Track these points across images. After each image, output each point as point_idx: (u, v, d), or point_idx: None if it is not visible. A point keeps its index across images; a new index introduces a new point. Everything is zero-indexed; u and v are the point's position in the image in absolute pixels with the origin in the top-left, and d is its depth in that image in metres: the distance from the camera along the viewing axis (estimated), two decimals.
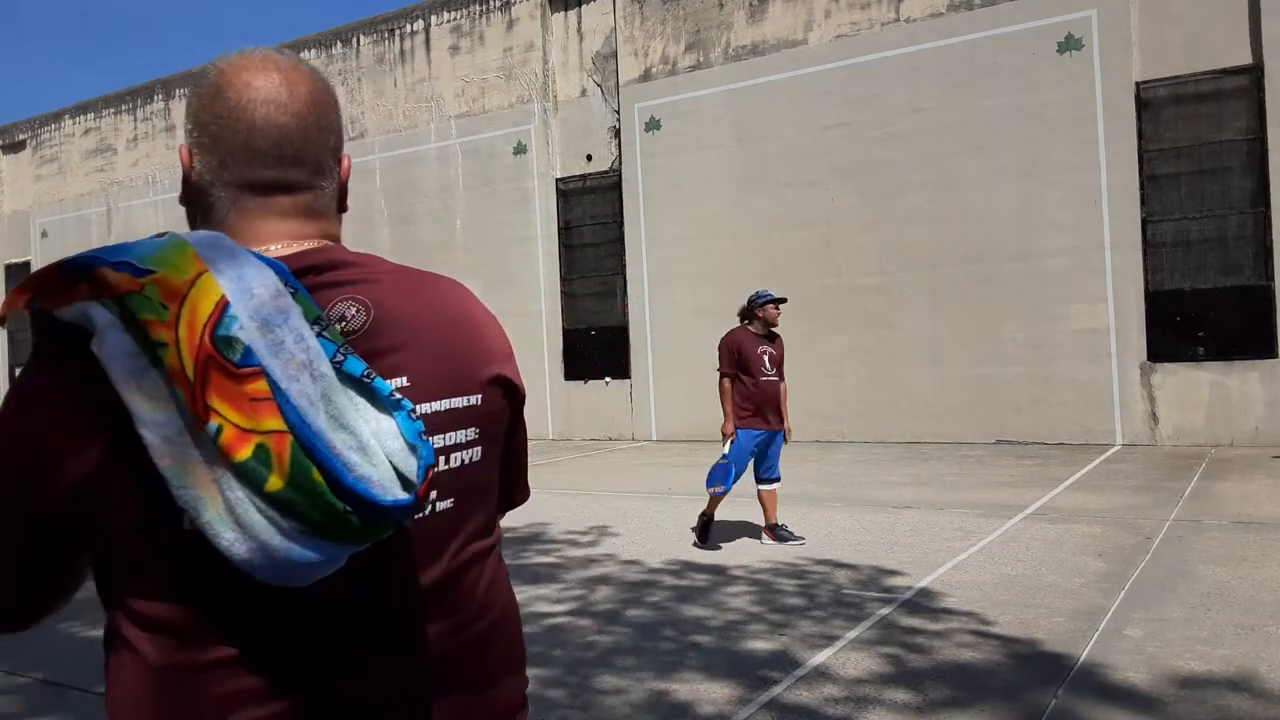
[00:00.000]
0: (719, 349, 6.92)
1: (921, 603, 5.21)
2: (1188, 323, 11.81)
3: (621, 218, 15.58)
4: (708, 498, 6.99)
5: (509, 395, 1.15)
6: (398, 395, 0.95)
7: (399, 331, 1.04)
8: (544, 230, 16.21)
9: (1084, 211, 12.19)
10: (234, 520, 0.87)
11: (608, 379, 15.65)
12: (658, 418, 15.14)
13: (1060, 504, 8.04)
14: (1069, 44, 12.25)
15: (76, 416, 0.93)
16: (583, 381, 15.90)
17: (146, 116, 21.63)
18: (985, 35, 12.74)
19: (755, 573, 6.04)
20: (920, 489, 9.17)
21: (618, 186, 15.63)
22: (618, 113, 15.61)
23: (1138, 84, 11.98)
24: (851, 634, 4.69)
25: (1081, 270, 12.17)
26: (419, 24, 17.70)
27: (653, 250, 15.22)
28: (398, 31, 17.96)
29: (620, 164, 15.57)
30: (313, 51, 19.04)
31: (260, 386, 0.88)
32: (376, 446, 0.90)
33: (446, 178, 17.25)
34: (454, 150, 17.17)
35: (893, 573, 5.91)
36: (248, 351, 0.88)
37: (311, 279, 1.01)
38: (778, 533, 6.94)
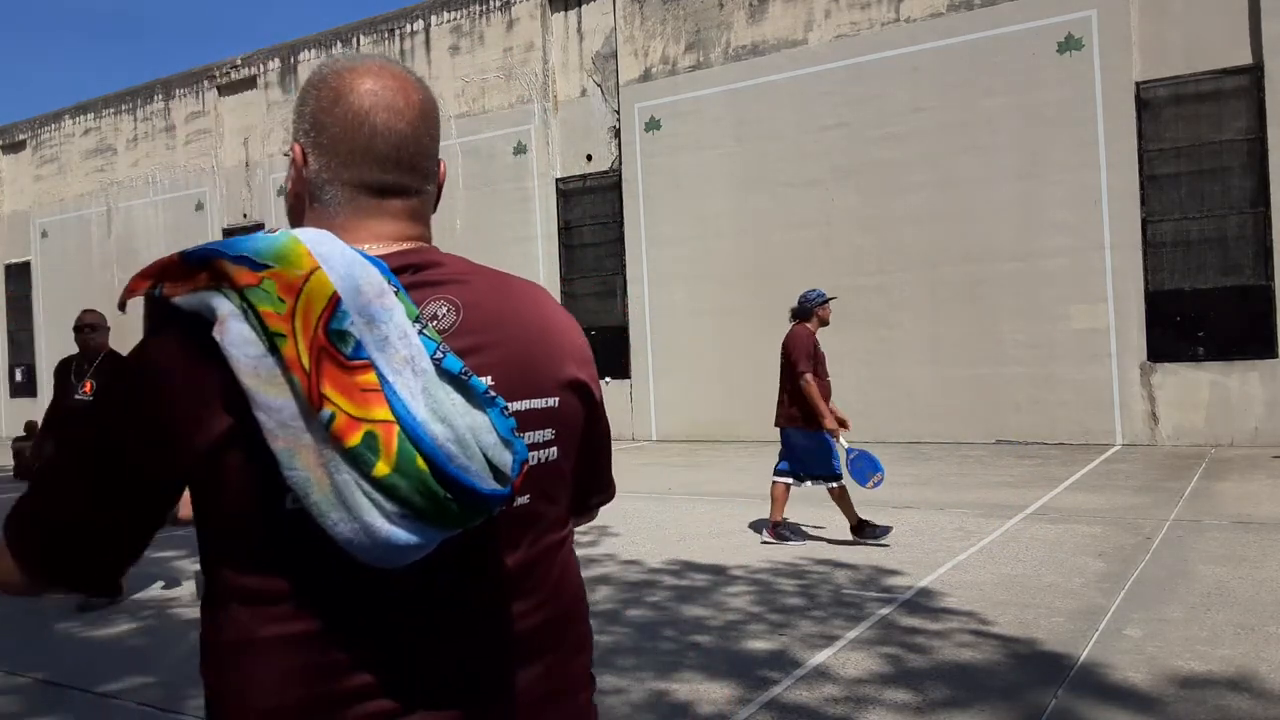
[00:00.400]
0: (794, 348, 6.90)
1: (921, 603, 5.21)
2: (1188, 323, 11.81)
3: (621, 218, 15.58)
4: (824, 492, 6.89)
5: (585, 399, 1.19)
6: (492, 393, 1.00)
7: (485, 332, 1.09)
8: (544, 230, 16.21)
9: (1084, 211, 12.20)
10: (340, 501, 0.93)
11: (608, 379, 15.65)
12: (658, 418, 15.14)
13: (1060, 504, 8.04)
14: (1069, 44, 12.25)
15: (200, 394, 0.98)
16: None
17: (146, 116, 21.63)
18: (985, 35, 12.74)
19: (755, 573, 6.04)
20: (920, 489, 9.17)
21: (618, 186, 15.63)
22: (618, 113, 15.61)
23: (1138, 84, 11.99)
24: (851, 634, 4.69)
25: (1081, 270, 12.18)
26: (419, 24, 17.70)
27: (653, 250, 15.23)
28: (398, 31, 17.96)
29: (620, 164, 15.57)
30: (313, 51, 19.05)
31: (370, 378, 0.94)
32: (471, 440, 0.96)
33: (447, 178, 17.23)
34: (454, 150, 17.17)
35: (893, 573, 5.91)
36: (358, 345, 0.94)
37: (407, 278, 1.06)
38: (779, 531, 6.92)
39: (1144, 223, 12.05)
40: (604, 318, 15.87)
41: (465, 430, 0.96)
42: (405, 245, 1.12)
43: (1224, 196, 11.72)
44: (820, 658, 4.35)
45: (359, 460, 0.92)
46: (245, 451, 0.98)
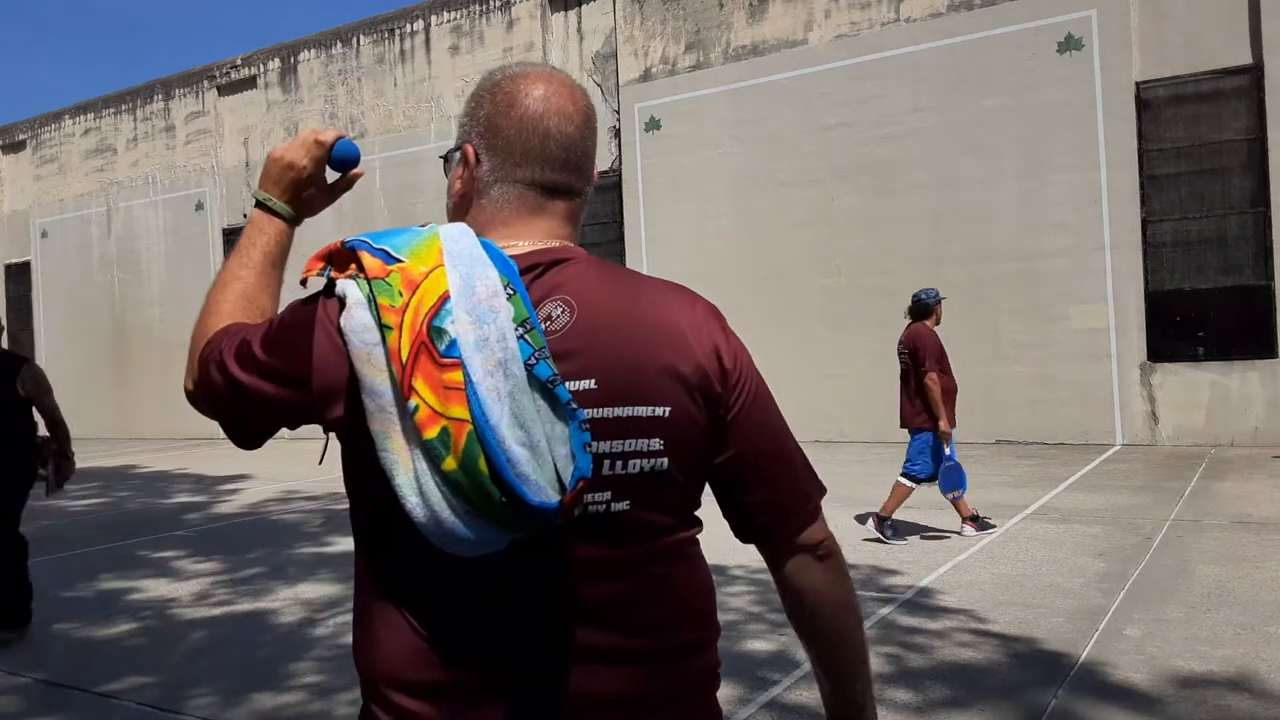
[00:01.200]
0: (924, 346, 6.81)
1: (921, 602, 5.21)
2: (1188, 323, 11.81)
3: (621, 218, 15.58)
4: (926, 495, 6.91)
5: (709, 406, 1.14)
6: (574, 405, 1.02)
7: (595, 335, 1.10)
8: None
9: (1084, 211, 12.20)
10: (418, 488, 1.00)
11: None
12: None
13: (1060, 504, 8.04)
14: (1069, 44, 12.25)
15: (340, 355, 1.07)
16: None
17: (146, 116, 21.63)
18: (985, 35, 12.74)
19: (755, 573, 6.04)
20: (920, 489, 9.15)
21: (618, 186, 15.63)
22: (618, 113, 15.61)
23: (1138, 84, 11.98)
24: None
25: (1081, 270, 12.17)
26: (419, 24, 17.70)
27: (653, 250, 15.22)
28: (398, 31, 17.96)
29: (620, 164, 15.57)
30: (313, 51, 19.05)
31: (455, 376, 0.99)
32: (546, 448, 0.99)
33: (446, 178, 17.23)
34: None
35: (893, 572, 5.91)
36: (453, 344, 0.99)
37: (531, 277, 1.11)
38: (884, 527, 6.84)
39: (1144, 223, 12.04)
40: None
41: (541, 438, 0.99)
42: (548, 243, 1.16)
43: (1224, 196, 11.72)
44: None
45: (432, 453, 0.98)
46: (356, 426, 1.06)
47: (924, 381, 6.76)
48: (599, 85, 15.91)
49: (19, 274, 24.34)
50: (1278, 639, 4.39)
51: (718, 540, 5.67)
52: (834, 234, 13.77)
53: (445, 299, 1.01)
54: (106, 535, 8.51)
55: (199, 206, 20.70)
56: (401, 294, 1.02)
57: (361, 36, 18.41)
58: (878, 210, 13.46)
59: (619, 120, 15.58)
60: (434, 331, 0.99)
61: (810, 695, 3.90)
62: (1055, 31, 12.32)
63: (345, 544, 7.65)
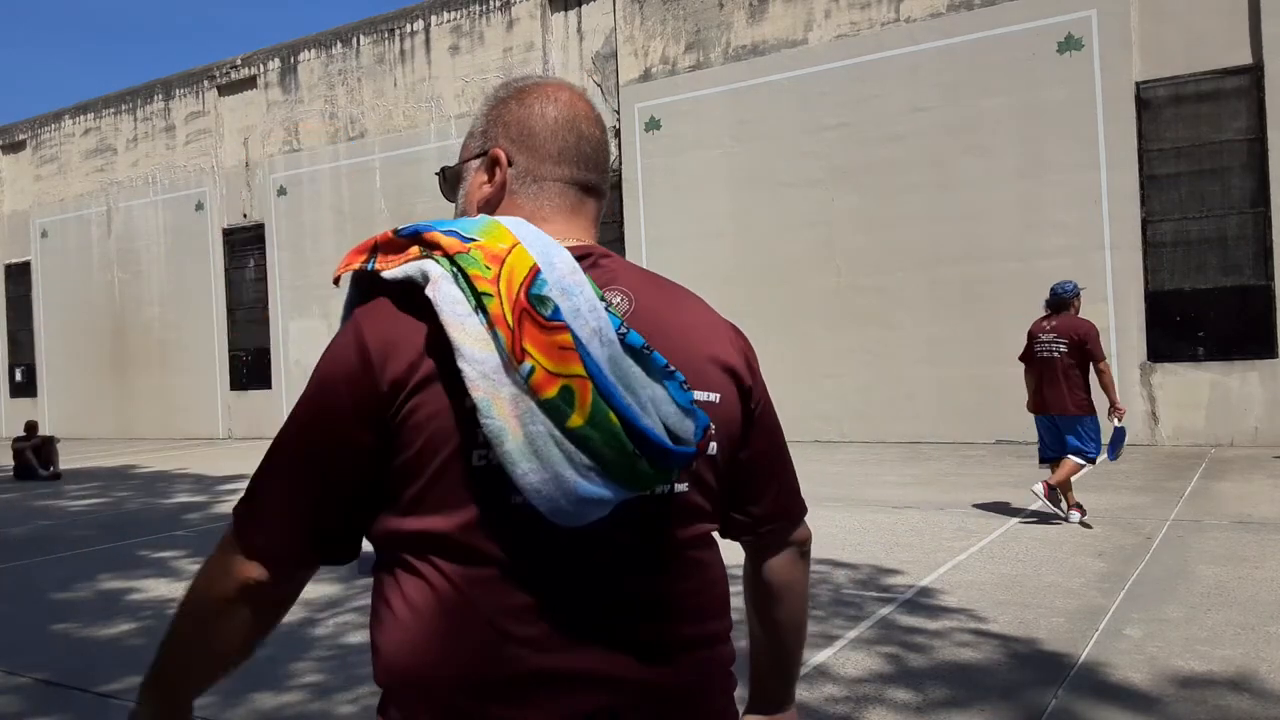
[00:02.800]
0: (1093, 336, 7.21)
1: (921, 602, 5.21)
2: (1188, 323, 11.81)
3: (621, 218, 15.58)
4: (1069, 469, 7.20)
5: (744, 399, 1.21)
6: (671, 367, 1.07)
7: (654, 323, 1.14)
8: None
9: (1084, 211, 12.20)
10: (532, 451, 1.00)
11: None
12: None
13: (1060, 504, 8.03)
14: (1069, 44, 12.25)
15: (401, 349, 1.06)
16: None
17: (146, 116, 21.63)
18: (985, 35, 12.74)
19: None
20: (920, 489, 9.17)
21: (618, 186, 15.63)
22: (618, 113, 15.61)
23: (1138, 84, 11.99)
24: (851, 634, 4.69)
25: (1081, 270, 12.16)
26: (419, 24, 17.70)
27: (653, 250, 15.22)
28: (398, 31, 17.96)
29: (620, 164, 15.57)
30: (313, 51, 19.05)
31: (566, 338, 1.01)
32: (652, 409, 1.04)
33: None
34: (454, 150, 17.15)
35: (893, 572, 5.91)
36: (556, 309, 1.02)
37: (585, 265, 1.14)
38: (1058, 502, 7.28)
39: (1144, 223, 12.04)
40: None
41: (647, 400, 1.04)
42: (584, 242, 1.20)
43: (1224, 196, 11.72)
44: (820, 657, 4.35)
45: (555, 412, 1.00)
46: (440, 403, 1.05)
47: (1100, 368, 7.21)
48: (599, 85, 15.91)
49: (19, 274, 24.34)
50: (1278, 639, 4.39)
51: (718, 540, 5.57)
52: (834, 234, 13.77)
53: (537, 271, 1.04)
54: (106, 535, 8.51)
55: (199, 206, 20.69)
56: (489, 267, 1.04)
57: (361, 36, 18.41)
58: (878, 210, 13.46)
59: (619, 120, 15.58)
60: (534, 299, 1.02)
61: (810, 695, 3.90)
62: (1055, 31, 12.32)
63: None
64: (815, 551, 6.54)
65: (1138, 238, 12.00)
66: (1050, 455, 7.39)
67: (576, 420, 1.00)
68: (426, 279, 1.05)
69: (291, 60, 19.35)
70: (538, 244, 1.07)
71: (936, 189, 13.06)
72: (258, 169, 19.91)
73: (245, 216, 20.11)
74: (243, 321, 20.23)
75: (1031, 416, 7.61)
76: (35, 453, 13.28)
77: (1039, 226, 12.45)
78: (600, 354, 1.02)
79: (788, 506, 1.34)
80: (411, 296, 1.07)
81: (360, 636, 5.02)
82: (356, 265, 1.12)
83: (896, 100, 13.29)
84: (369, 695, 4.13)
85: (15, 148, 24.32)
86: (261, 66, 19.78)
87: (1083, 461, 7.25)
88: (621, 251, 15.56)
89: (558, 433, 1.00)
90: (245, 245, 20.15)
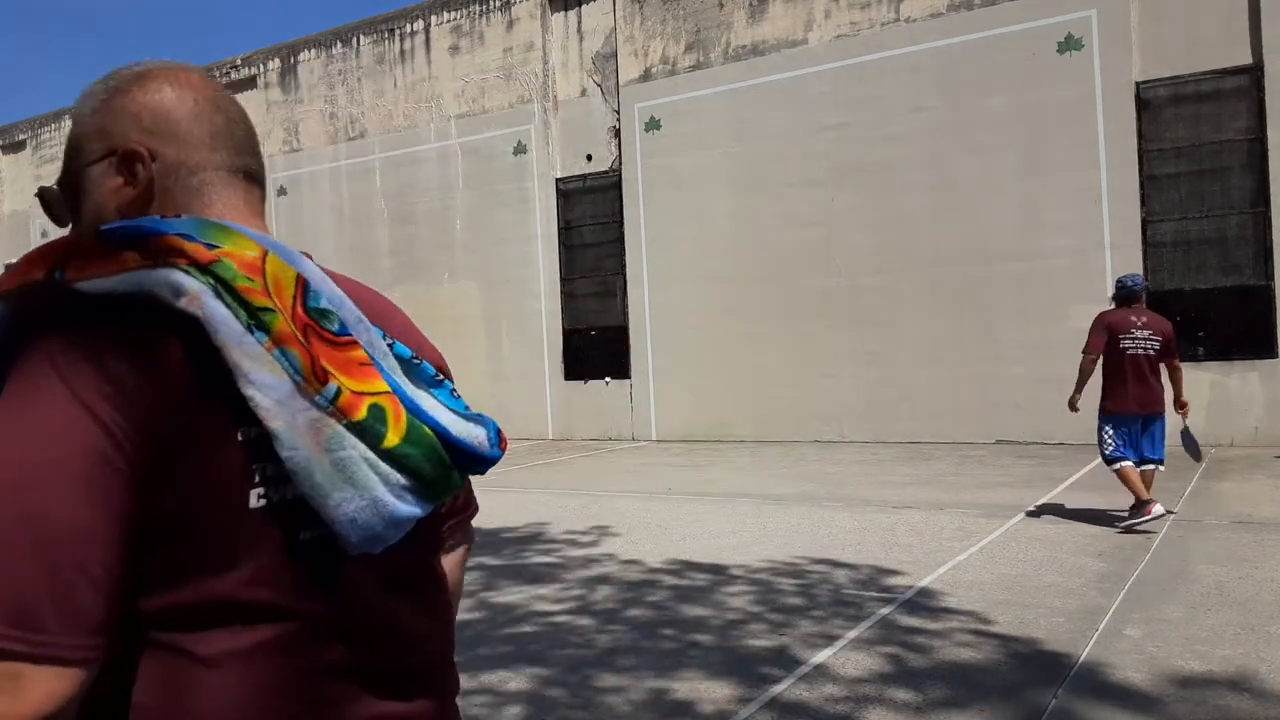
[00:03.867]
0: (1172, 334, 7.13)
1: (921, 602, 5.21)
2: (1188, 323, 11.80)
3: (621, 218, 15.58)
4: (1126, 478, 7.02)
5: None
6: (440, 376, 1.03)
7: (389, 329, 1.08)
8: (544, 230, 16.21)
9: (1084, 211, 12.19)
10: (345, 479, 0.90)
11: (608, 379, 15.65)
12: (658, 418, 15.14)
13: (1060, 504, 8.04)
14: (1069, 44, 12.25)
15: (149, 388, 0.86)
16: (583, 381, 15.90)
17: None
18: (985, 35, 12.74)
19: (755, 572, 6.04)
20: (920, 489, 9.17)
21: (618, 186, 15.63)
22: (618, 112, 15.61)
23: (1138, 84, 11.98)
24: (851, 634, 4.69)
25: (1081, 270, 12.17)
26: (419, 24, 17.70)
27: (653, 250, 15.22)
28: (398, 31, 17.96)
29: (620, 164, 15.57)
30: (313, 51, 19.04)
31: (361, 354, 0.94)
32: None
33: (446, 178, 17.25)
34: (454, 150, 17.17)
35: (893, 572, 5.91)
36: (342, 324, 0.94)
37: None
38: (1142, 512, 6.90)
39: (1144, 223, 12.04)
40: (604, 318, 15.87)
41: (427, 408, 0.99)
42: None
43: (1224, 196, 11.72)
44: (820, 657, 4.36)
45: (368, 433, 0.91)
46: (205, 443, 0.88)
47: (1177, 365, 7.11)
48: (599, 85, 15.91)
49: None
50: (1278, 639, 4.39)
51: (717, 540, 5.67)
52: (834, 234, 13.77)
53: (305, 282, 0.93)
54: None
55: None
56: (251, 279, 0.89)
57: (361, 36, 18.40)
58: (878, 210, 13.46)
59: (619, 120, 15.58)
60: (315, 314, 0.92)
61: (810, 694, 3.91)
62: (1055, 31, 12.32)
63: None
64: (816, 551, 6.55)
65: (1138, 238, 12.00)
66: (1123, 455, 6.99)
67: (393, 439, 0.91)
68: (179, 293, 0.87)
69: (291, 60, 19.35)
70: (281, 250, 0.94)
71: (936, 189, 13.06)
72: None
73: None
74: None
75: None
76: None
77: (1039, 226, 12.45)
78: (389, 367, 0.96)
79: (468, 501, 1.26)
80: (141, 316, 0.87)
81: None
82: (35, 278, 0.88)
83: (896, 100, 13.29)
84: None
85: (15, 148, 24.33)
86: (261, 66, 19.78)
87: (1161, 468, 7.10)
88: (621, 252, 15.57)
89: (371, 455, 0.91)
90: None
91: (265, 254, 0.93)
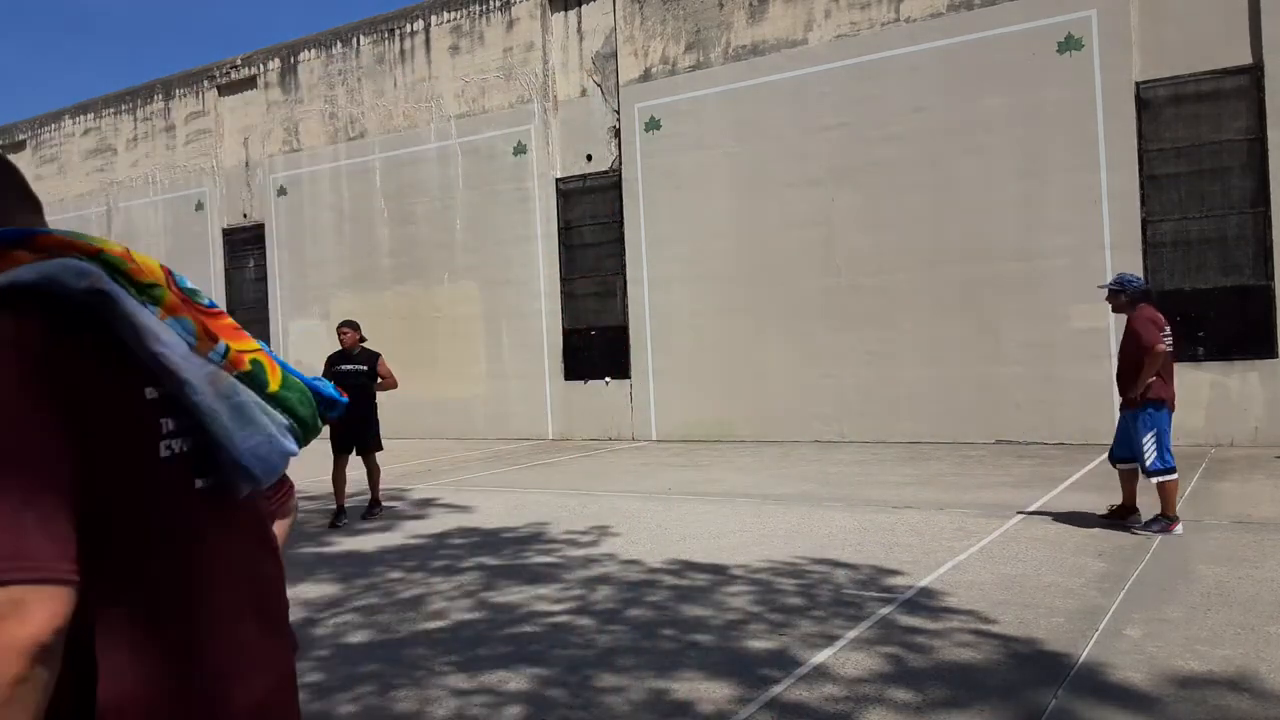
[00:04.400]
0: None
1: (921, 602, 5.21)
2: (1188, 323, 11.80)
3: (621, 218, 15.58)
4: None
5: None
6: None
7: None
8: (544, 230, 16.21)
9: (1084, 211, 12.19)
10: (246, 420, 1.11)
11: (608, 379, 15.65)
12: (658, 418, 15.14)
13: (1060, 504, 8.04)
14: (1069, 44, 12.25)
15: (69, 348, 1.01)
16: (583, 381, 15.90)
17: (146, 116, 21.63)
18: (985, 35, 12.74)
19: (755, 573, 6.04)
20: (920, 489, 9.17)
21: (618, 186, 15.63)
22: (618, 113, 15.61)
23: (1138, 84, 11.98)
24: (851, 634, 4.69)
25: (1081, 270, 12.17)
26: (419, 24, 17.70)
27: (653, 250, 15.22)
28: (398, 31, 17.96)
29: (620, 164, 15.57)
30: (313, 51, 19.04)
31: (230, 320, 1.14)
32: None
33: (446, 178, 17.25)
34: (454, 150, 17.17)
35: (893, 572, 5.91)
36: (210, 299, 1.13)
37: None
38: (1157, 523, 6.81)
39: (1144, 223, 12.04)
40: (604, 318, 15.87)
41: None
42: None
43: (1224, 196, 11.72)
44: (820, 657, 4.35)
45: (255, 381, 1.12)
46: (119, 401, 1.03)
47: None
48: (599, 85, 15.91)
49: None
50: (1278, 639, 4.39)
51: (717, 540, 5.66)
52: (834, 234, 13.77)
53: (168, 268, 1.12)
54: None
55: (199, 206, 20.69)
56: (127, 262, 1.06)
57: (361, 36, 18.40)
58: (878, 210, 13.46)
59: (619, 120, 15.58)
60: (188, 291, 1.12)
61: (810, 694, 3.91)
62: (1055, 31, 12.32)
63: (345, 544, 7.65)
64: (816, 551, 6.56)
65: (1138, 238, 12.00)
66: (1174, 465, 6.81)
67: (274, 386, 1.13)
68: (82, 275, 1.00)
69: (291, 60, 19.35)
70: (117, 244, 1.10)
71: (936, 189, 13.06)
72: (258, 169, 19.90)
73: (245, 216, 20.11)
74: (243, 321, 19.61)
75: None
76: None
77: (1039, 226, 12.45)
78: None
79: (285, 479, 1.44)
80: (46, 301, 0.99)
81: (360, 636, 5.02)
82: None
83: (896, 100, 13.29)
84: (369, 695, 4.13)
85: (15, 148, 24.32)
86: (261, 66, 19.77)
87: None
88: (622, 251, 15.57)
89: (259, 400, 1.11)
90: (245, 245, 20.15)
91: (126, 248, 1.09)
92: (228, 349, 1.10)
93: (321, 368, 8.95)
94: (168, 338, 1.04)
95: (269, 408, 1.12)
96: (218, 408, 1.06)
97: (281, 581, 1.23)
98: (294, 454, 1.16)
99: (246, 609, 1.12)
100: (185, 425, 1.07)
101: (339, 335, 8.91)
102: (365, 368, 8.72)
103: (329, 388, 1.26)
